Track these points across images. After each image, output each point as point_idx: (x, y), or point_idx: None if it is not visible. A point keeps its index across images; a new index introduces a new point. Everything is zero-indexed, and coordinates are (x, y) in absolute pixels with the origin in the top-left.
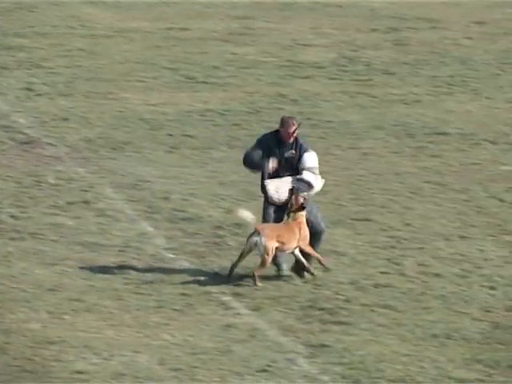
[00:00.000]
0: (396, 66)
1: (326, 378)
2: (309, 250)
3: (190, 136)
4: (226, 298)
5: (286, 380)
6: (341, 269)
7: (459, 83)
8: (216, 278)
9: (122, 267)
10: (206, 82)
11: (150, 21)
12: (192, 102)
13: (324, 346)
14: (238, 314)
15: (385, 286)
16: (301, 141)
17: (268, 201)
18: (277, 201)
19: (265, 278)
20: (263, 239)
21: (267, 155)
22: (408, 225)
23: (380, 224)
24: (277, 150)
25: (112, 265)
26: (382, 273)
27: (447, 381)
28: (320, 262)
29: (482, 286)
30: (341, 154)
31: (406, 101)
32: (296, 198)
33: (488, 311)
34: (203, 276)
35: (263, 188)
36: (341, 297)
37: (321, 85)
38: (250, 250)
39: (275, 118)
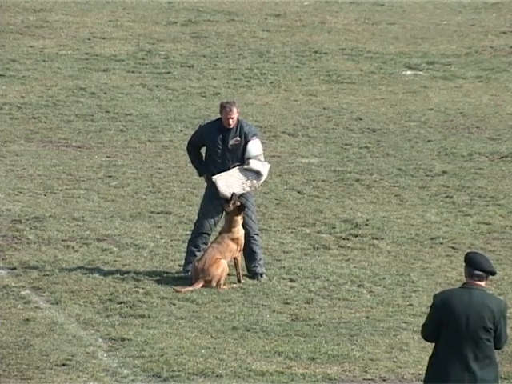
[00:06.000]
0: (194, 58)
1: (126, 371)
2: None
3: None
4: (25, 292)
5: (86, 373)
6: (140, 262)
7: (257, 76)
8: (15, 272)
9: None
10: (3, 76)
11: None
12: None
13: (124, 339)
14: (38, 307)
15: (185, 279)
16: (245, 127)
17: (207, 195)
18: (229, 195)
19: (64, 270)
20: None
21: (209, 146)
22: None
23: (179, 217)
24: (220, 138)
25: None
26: (181, 266)
27: (247, 373)
28: None
29: (282, 278)
30: (140, 146)
31: (205, 93)
32: (234, 205)
33: (287, 303)
34: (2, 270)
35: (211, 182)
36: (141, 290)
37: (119, 78)
38: None
39: (74, 111)
